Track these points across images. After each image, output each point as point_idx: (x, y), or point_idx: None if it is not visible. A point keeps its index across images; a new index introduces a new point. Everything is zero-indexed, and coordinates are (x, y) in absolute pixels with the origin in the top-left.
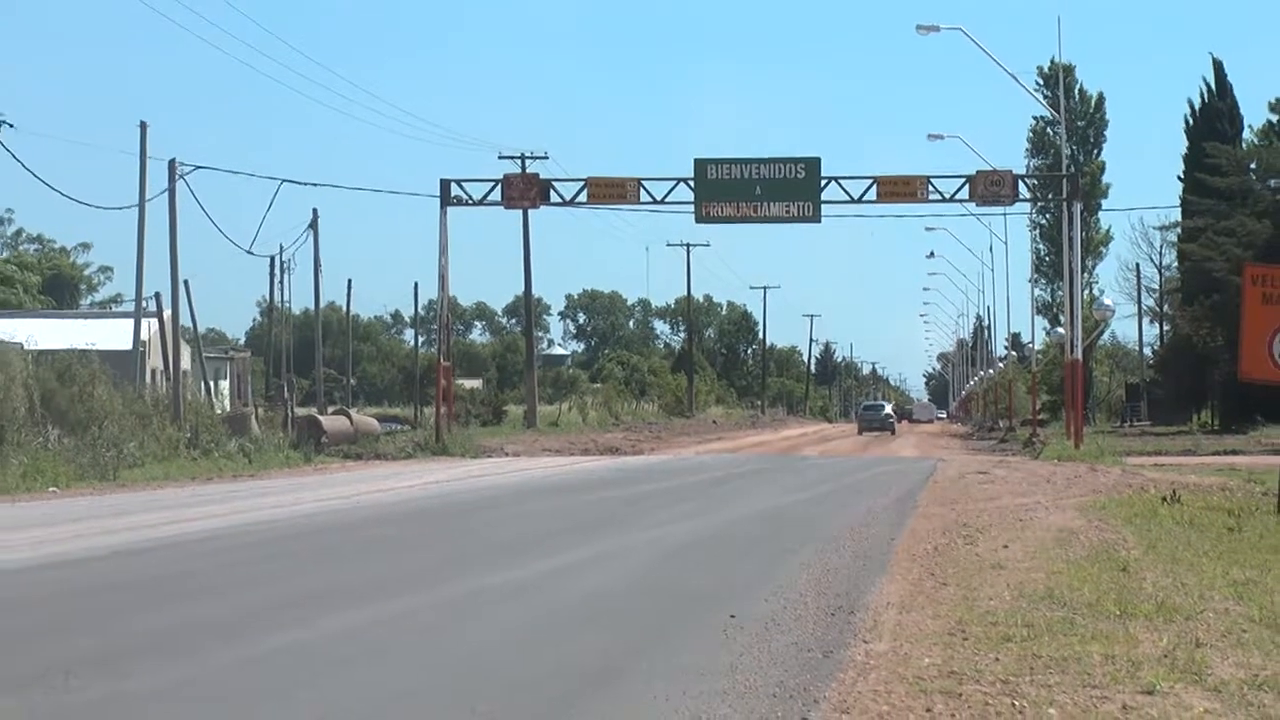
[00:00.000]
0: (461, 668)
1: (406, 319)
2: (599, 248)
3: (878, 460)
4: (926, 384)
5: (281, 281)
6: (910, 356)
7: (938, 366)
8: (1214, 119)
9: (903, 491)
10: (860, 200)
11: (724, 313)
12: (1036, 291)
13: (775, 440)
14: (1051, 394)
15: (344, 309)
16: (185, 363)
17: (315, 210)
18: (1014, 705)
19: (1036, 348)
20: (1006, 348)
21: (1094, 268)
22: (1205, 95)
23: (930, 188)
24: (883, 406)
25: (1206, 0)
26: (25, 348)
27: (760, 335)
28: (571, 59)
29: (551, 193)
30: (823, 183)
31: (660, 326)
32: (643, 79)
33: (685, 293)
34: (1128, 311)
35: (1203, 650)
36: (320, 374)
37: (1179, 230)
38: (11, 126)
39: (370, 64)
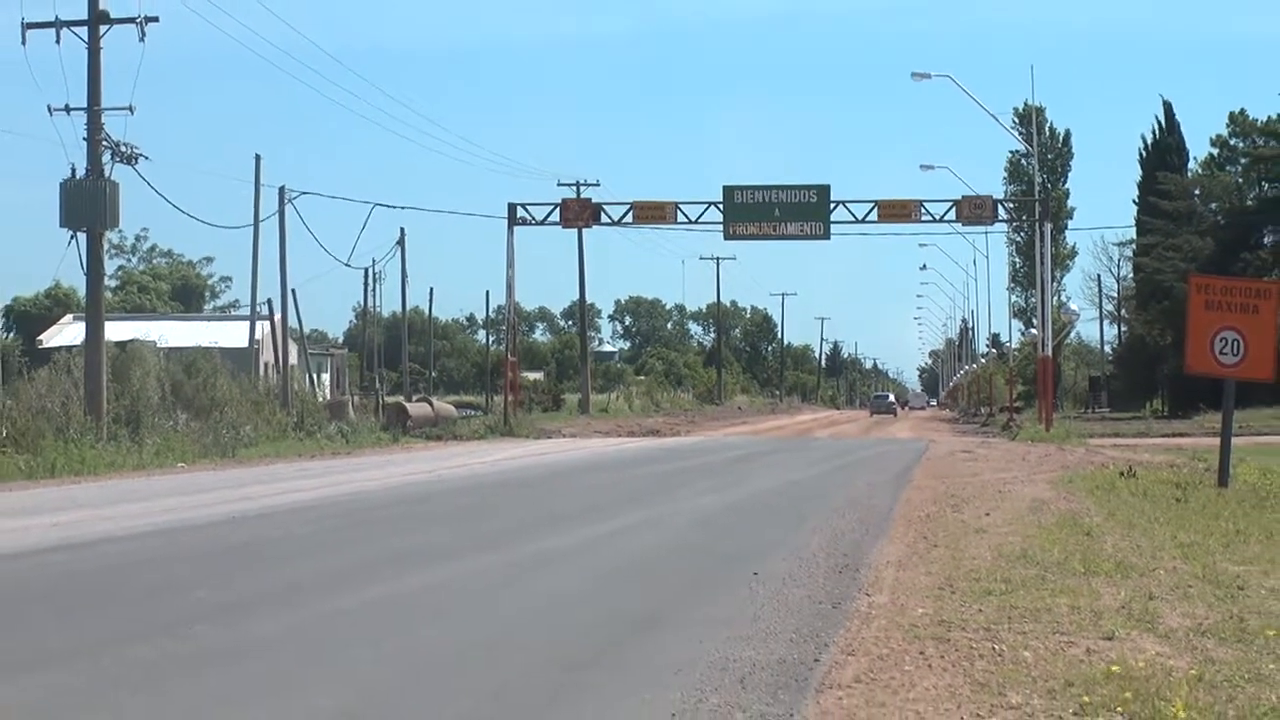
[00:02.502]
0: (526, 617)
1: (479, 321)
2: (642, 260)
3: (878, 441)
4: (920, 376)
5: (374, 290)
6: (906, 353)
7: (929, 361)
8: (1164, 152)
9: (899, 468)
10: (864, 220)
11: (748, 316)
12: (1013, 298)
13: (791, 424)
14: (1026, 385)
15: (426, 313)
16: (293, 358)
17: (402, 229)
18: (994, 649)
19: (1013, 346)
20: (988, 345)
21: (1062, 278)
22: (1157, 132)
23: (923, 210)
24: (888, 396)
25: (1159, 50)
26: (158, 346)
27: (779, 335)
28: (618, 99)
29: (602, 214)
30: (832, 206)
31: (694, 327)
32: (678, 115)
33: (715, 299)
34: (1090, 315)
35: (1155, 602)
36: (406, 368)
37: (1134, 246)
38: (147, 159)
39: (449, 105)
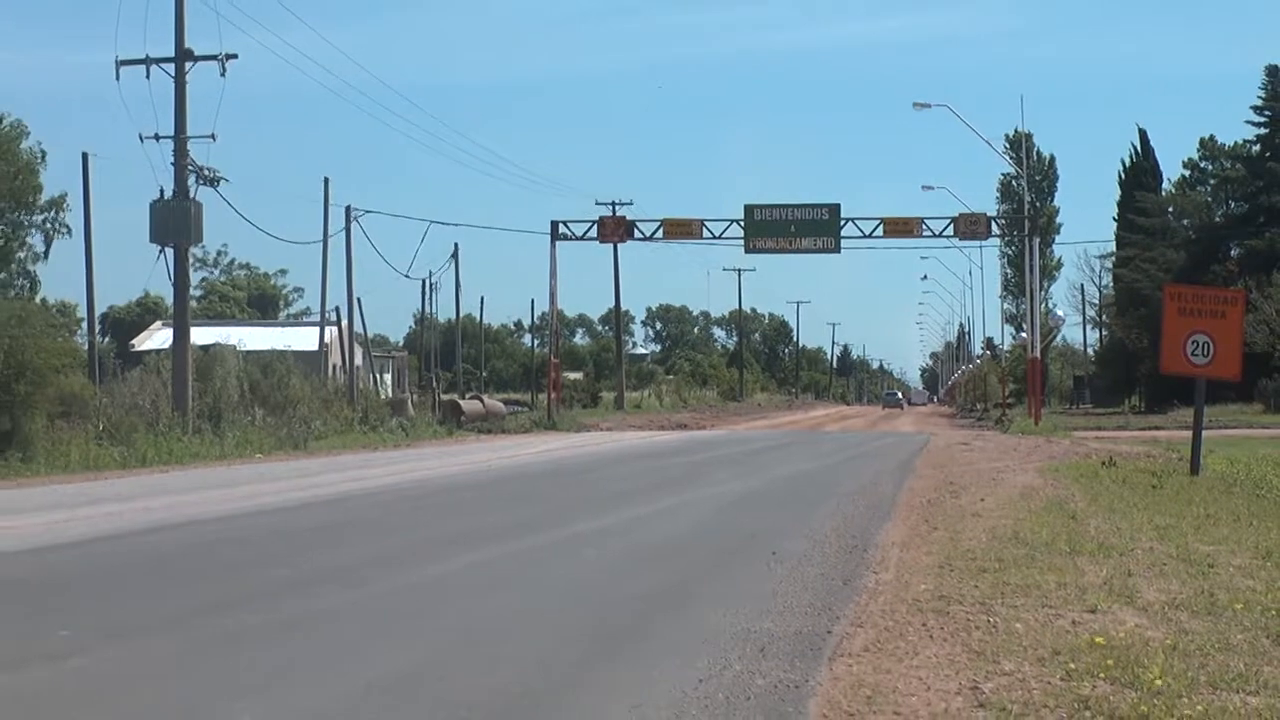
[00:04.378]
0: (568, 591)
1: (525, 326)
2: (671, 271)
3: (883, 434)
4: (921, 375)
5: (430, 298)
6: (909, 354)
7: (930, 362)
8: (1141, 174)
9: (903, 458)
10: (871, 236)
11: (767, 322)
12: (1005, 305)
13: (805, 419)
14: (1017, 383)
15: (478, 319)
16: (358, 360)
17: (456, 244)
18: (989, 621)
19: (1005, 348)
20: (982, 348)
21: (1049, 287)
22: (1134, 155)
23: (924, 226)
24: (896, 394)
25: (1136, 82)
26: (237, 349)
27: (794, 339)
28: (650, 127)
29: (635, 231)
30: (842, 222)
31: (718, 332)
32: (703, 141)
33: (737, 306)
34: (1075, 321)
35: (1133, 579)
36: (460, 368)
37: (1114, 258)
38: (228, 181)
39: (498, 133)
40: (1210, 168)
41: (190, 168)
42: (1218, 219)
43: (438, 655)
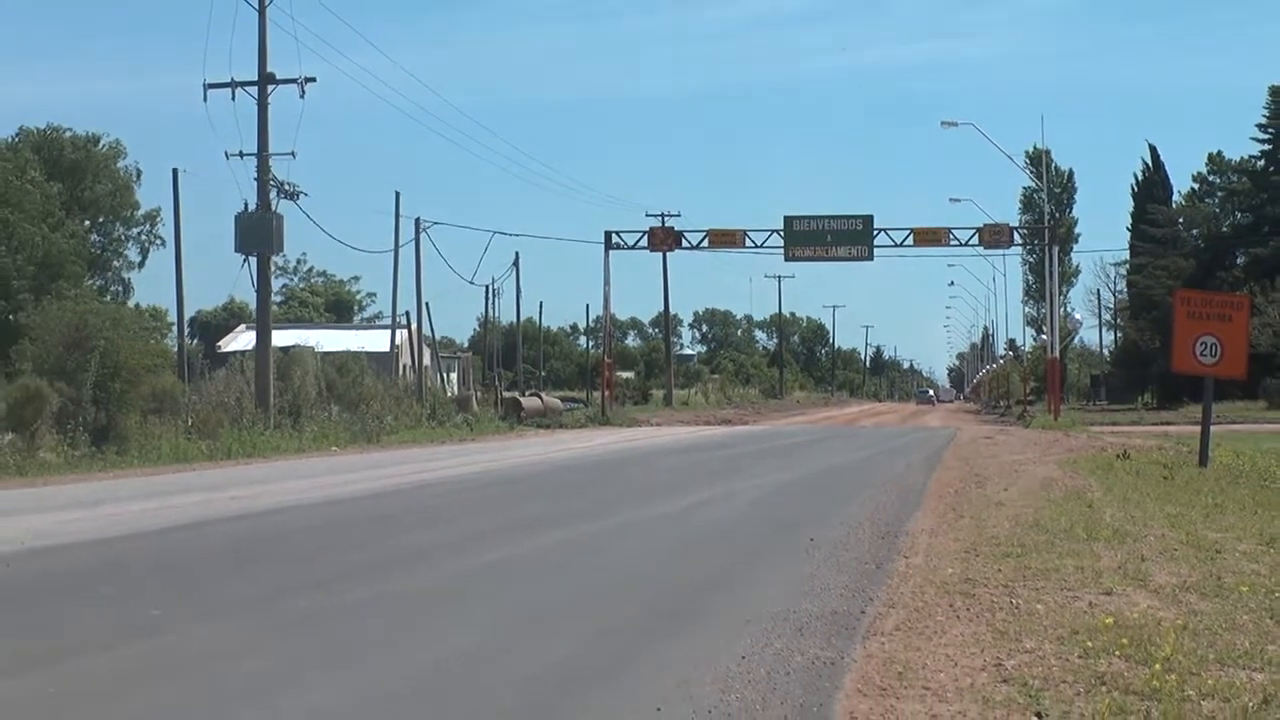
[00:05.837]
0: (622, 574)
1: (581, 329)
2: (716, 277)
3: (913, 429)
4: (949, 374)
5: (493, 303)
6: (936, 354)
7: (956, 362)
8: (1152, 187)
9: (931, 451)
10: (902, 245)
11: (804, 324)
12: (1026, 309)
13: (841, 415)
14: (1037, 382)
15: (537, 322)
16: (426, 360)
17: (517, 253)
18: (1012, 602)
19: (1026, 349)
20: (1005, 349)
21: (1067, 292)
22: (1145, 170)
23: (951, 236)
24: (928, 391)
25: (1148, 101)
26: (315, 350)
27: (830, 340)
28: (697, 143)
29: (683, 240)
30: (875, 232)
31: (759, 334)
32: (745, 156)
33: (777, 310)
34: (1092, 324)
35: (1146, 564)
36: (520, 368)
37: (1128, 266)
38: (306, 195)
39: (557, 149)
40: (1218, 181)
41: (272, 183)
42: (1225, 229)
43: (500, 633)
